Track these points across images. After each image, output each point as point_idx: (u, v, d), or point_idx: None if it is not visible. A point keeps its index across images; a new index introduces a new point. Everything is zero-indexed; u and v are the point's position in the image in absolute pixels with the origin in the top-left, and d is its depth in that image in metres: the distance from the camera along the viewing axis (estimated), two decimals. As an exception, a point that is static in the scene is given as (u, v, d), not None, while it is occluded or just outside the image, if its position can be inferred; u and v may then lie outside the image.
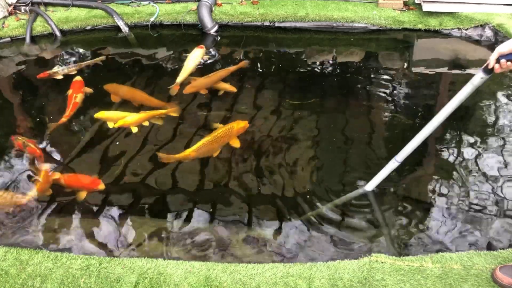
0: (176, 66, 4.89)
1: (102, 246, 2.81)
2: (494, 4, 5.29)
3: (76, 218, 3.01)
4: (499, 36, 5.11)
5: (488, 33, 5.22)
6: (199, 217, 3.01)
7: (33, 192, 3.09)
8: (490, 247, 2.70)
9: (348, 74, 4.76)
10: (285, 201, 3.11)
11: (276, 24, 5.67)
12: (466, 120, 3.87)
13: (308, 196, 3.12)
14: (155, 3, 5.90)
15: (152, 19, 5.71)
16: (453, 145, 3.60)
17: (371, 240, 2.80)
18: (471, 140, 3.64)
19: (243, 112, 4.03)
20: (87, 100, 4.17)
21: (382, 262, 2.46)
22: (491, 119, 3.90)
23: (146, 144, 3.68)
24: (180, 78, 4.31)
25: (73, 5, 5.88)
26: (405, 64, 4.98)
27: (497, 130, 3.75)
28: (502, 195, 3.09)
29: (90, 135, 3.81)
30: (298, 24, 5.65)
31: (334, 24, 5.59)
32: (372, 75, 4.67)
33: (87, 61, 4.85)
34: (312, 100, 4.20)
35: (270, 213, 3.03)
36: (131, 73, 4.83)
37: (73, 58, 5.24)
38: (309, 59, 5.13)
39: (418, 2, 5.53)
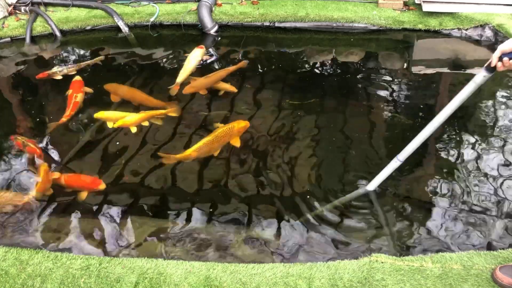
0: (176, 66, 4.90)
1: (102, 246, 2.81)
2: (494, 4, 5.29)
3: (76, 218, 3.01)
4: (499, 36, 5.11)
5: (488, 33, 5.22)
6: (199, 217, 3.01)
7: (33, 192, 3.09)
8: (490, 247, 2.70)
9: (348, 74, 4.76)
10: (285, 201, 3.11)
11: (276, 24, 5.67)
12: (466, 120, 3.87)
13: (308, 196, 3.12)
14: (155, 3, 5.90)
15: (152, 19, 5.71)
16: (453, 145, 3.60)
17: (371, 240, 2.80)
18: (471, 140, 3.64)
19: (243, 112, 4.03)
20: (86, 100, 4.17)
21: (382, 262, 2.46)
22: (491, 119, 3.90)
23: (146, 144, 3.68)
24: (180, 78, 4.31)
25: (73, 5, 5.88)
26: (405, 64, 4.98)
27: (497, 130, 3.74)
28: (503, 195, 3.09)
29: (90, 135, 3.81)
30: (298, 24, 5.65)
31: (334, 24, 5.59)
32: (372, 75, 4.67)
33: (87, 61, 4.85)
34: (312, 100, 4.20)
35: (270, 213, 3.03)
36: (131, 73, 4.83)
37: (73, 58, 5.24)
38: (309, 59, 5.13)
39: (418, 2, 5.53)
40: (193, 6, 5.79)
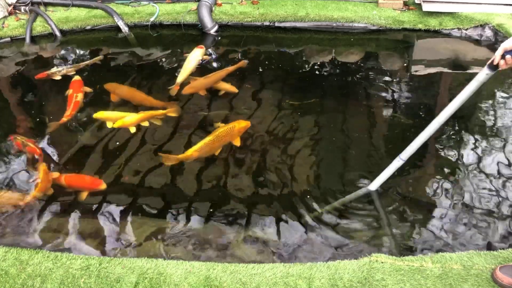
0: (176, 65, 4.90)
1: (102, 246, 2.81)
2: (494, 4, 5.29)
3: (76, 218, 3.01)
4: (499, 36, 5.11)
5: (488, 33, 5.22)
6: (199, 217, 3.01)
7: (34, 192, 3.09)
8: (490, 247, 2.70)
9: (348, 74, 4.76)
10: (285, 201, 3.11)
11: (276, 24, 5.67)
12: (467, 120, 3.87)
13: (308, 196, 3.12)
14: (155, 3, 5.90)
15: (152, 19, 5.71)
16: (453, 145, 3.60)
17: (371, 240, 2.80)
18: (472, 140, 3.64)
19: (242, 112, 4.03)
20: (86, 99, 4.17)
21: (382, 262, 2.46)
22: (491, 119, 3.90)
23: (146, 144, 3.68)
24: (180, 78, 4.30)
25: (73, 5, 5.88)
26: (405, 64, 4.98)
27: (497, 130, 3.74)
28: (503, 195, 3.09)
29: (89, 135, 3.80)
30: (298, 24, 5.65)
31: (334, 24, 5.59)
32: (372, 75, 4.67)
33: (86, 62, 4.84)
34: (312, 100, 4.20)
35: (269, 213, 3.03)
36: (131, 73, 4.83)
37: (72, 58, 5.24)
38: (309, 59, 5.13)
39: (418, 2, 5.53)
40: (193, 6, 5.79)
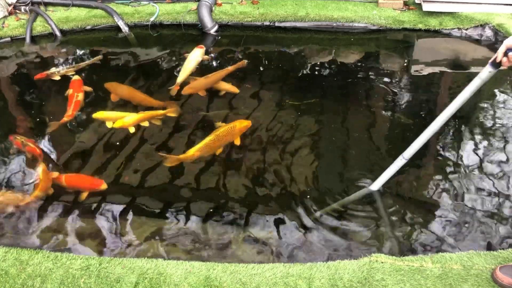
0: (176, 64, 4.89)
1: (102, 246, 2.81)
2: (494, 4, 5.29)
3: (76, 218, 3.01)
4: (499, 36, 5.11)
5: (488, 33, 5.22)
6: (199, 217, 3.01)
7: (35, 192, 3.09)
8: (490, 247, 2.70)
9: (348, 74, 4.76)
10: (285, 201, 3.11)
11: (276, 24, 5.67)
12: (467, 119, 3.87)
13: (308, 196, 3.12)
14: (155, 3, 5.90)
15: (152, 19, 5.71)
16: (453, 145, 3.60)
17: (371, 240, 2.80)
18: (472, 140, 3.64)
19: (242, 112, 4.03)
20: (86, 99, 4.17)
21: (382, 262, 2.46)
22: (492, 118, 3.90)
23: (146, 144, 3.68)
24: (180, 79, 4.30)
25: (73, 5, 5.88)
26: (405, 64, 4.98)
27: (498, 130, 3.74)
28: (503, 195, 3.09)
29: (89, 135, 3.80)
30: (298, 24, 5.65)
31: (334, 24, 5.59)
32: (372, 75, 4.67)
33: (85, 62, 4.84)
34: (312, 100, 4.20)
35: (269, 213, 3.03)
36: (131, 73, 4.83)
37: (71, 58, 5.24)
38: (309, 59, 5.12)
39: (418, 2, 5.53)
40: (193, 5, 5.79)
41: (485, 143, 3.59)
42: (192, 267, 2.46)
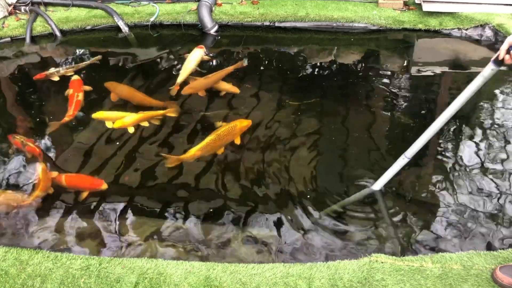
0: (176, 66, 4.89)
1: (102, 246, 2.81)
2: (494, 4, 5.29)
3: (76, 218, 3.01)
4: (499, 36, 5.11)
5: (488, 33, 5.22)
6: (199, 217, 3.01)
7: (37, 192, 3.09)
8: (490, 247, 2.70)
9: (348, 74, 4.76)
10: (285, 201, 3.11)
11: (276, 24, 5.67)
12: (467, 119, 3.86)
13: (308, 196, 3.12)
14: (155, 3, 5.90)
15: (152, 19, 5.71)
16: (454, 145, 3.60)
17: (371, 240, 2.80)
18: (473, 140, 3.64)
19: (242, 112, 4.03)
20: (85, 99, 4.17)
21: (382, 262, 2.46)
22: (492, 118, 3.89)
23: (146, 144, 3.68)
24: (180, 79, 4.30)
25: (73, 5, 5.88)
26: (405, 64, 4.98)
27: (498, 129, 3.74)
28: (503, 195, 3.09)
29: (89, 135, 3.80)
30: (298, 24, 5.65)
31: (334, 24, 5.59)
32: (372, 75, 4.67)
33: (84, 62, 4.83)
34: (312, 100, 4.20)
35: (269, 213, 3.03)
36: (131, 73, 4.83)
37: (71, 59, 5.24)
38: (309, 59, 5.13)
39: (418, 2, 5.53)
40: (193, 6, 5.79)
41: (485, 143, 3.59)
42: (192, 267, 2.46)
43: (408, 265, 2.43)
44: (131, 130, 3.70)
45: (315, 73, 4.83)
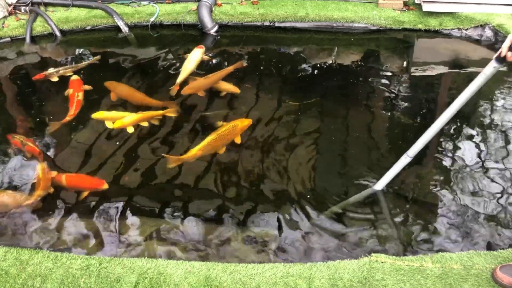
0: (176, 66, 4.89)
1: (102, 246, 2.81)
2: (494, 4, 5.29)
3: (76, 218, 3.00)
4: (499, 36, 5.11)
5: (488, 33, 5.22)
6: (199, 217, 3.01)
7: (38, 192, 3.09)
8: (490, 247, 2.70)
9: (348, 74, 4.76)
10: (286, 201, 3.10)
11: (276, 24, 5.67)
12: (468, 119, 3.86)
13: (308, 196, 3.12)
14: (155, 3, 5.90)
15: (152, 19, 5.71)
16: (454, 144, 3.60)
17: (371, 240, 2.80)
18: (473, 139, 3.64)
19: (242, 112, 4.03)
20: (84, 98, 4.17)
21: (382, 262, 2.46)
22: (493, 118, 3.90)
23: (146, 144, 3.68)
24: (180, 79, 4.30)
25: (73, 5, 5.88)
26: (405, 64, 4.98)
27: (498, 129, 3.74)
28: (504, 195, 3.09)
29: (89, 135, 3.80)
30: (298, 24, 5.65)
31: (334, 24, 5.59)
32: (372, 75, 4.67)
33: (84, 62, 4.83)
34: (312, 100, 4.20)
35: (270, 213, 3.03)
36: (130, 73, 4.83)
37: (70, 59, 5.24)
38: (309, 59, 5.13)
39: (418, 2, 5.53)
40: (193, 6, 5.79)
41: (485, 143, 3.59)
42: (192, 267, 2.46)
43: (408, 265, 2.43)
44: (130, 130, 3.70)
45: (315, 73, 4.83)
